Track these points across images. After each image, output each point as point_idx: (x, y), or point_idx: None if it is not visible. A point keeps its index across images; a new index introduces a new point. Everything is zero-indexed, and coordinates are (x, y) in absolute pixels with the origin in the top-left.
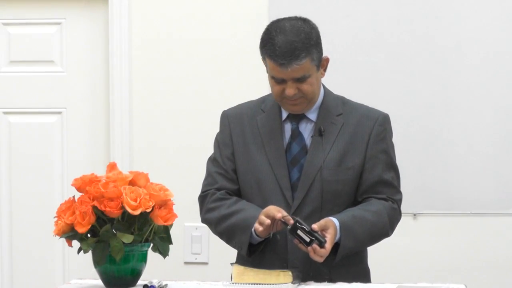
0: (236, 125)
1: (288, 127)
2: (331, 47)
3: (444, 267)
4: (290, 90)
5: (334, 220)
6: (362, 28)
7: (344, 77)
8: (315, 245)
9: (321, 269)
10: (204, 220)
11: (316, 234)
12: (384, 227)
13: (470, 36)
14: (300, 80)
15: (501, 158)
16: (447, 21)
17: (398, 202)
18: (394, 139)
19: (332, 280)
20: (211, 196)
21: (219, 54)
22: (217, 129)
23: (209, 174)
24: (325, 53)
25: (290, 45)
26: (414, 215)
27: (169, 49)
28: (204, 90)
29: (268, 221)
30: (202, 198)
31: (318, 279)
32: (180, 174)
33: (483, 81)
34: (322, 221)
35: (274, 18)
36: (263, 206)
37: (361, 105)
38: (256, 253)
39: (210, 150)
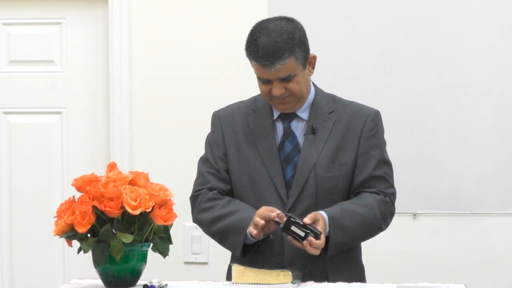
0: (228, 125)
1: (280, 126)
2: (331, 47)
3: (444, 267)
4: (276, 90)
5: (322, 214)
6: (362, 28)
7: (344, 76)
8: (310, 238)
9: (317, 267)
10: (196, 220)
11: (310, 227)
12: (376, 220)
13: (470, 35)
14: (286, 79)
15: (501, 158)
16: (446, 21)
17: (390, 196)
18: (394, 139)
19: (328, 278)
20: (204, 196)
21: (219, 54)
22: None
23: (200, 174)
24: (324, 53)
25: (273, 46)
26: (414, 215)
27: (169, 49)
28: (204, 90)
29: (262, 222)
30: (194, 198)
31: (314, 277)
32: (180, 174)
33: (483, 80)
34: (312, 214)
35: None
36: (258, 204)
37: (352, 102)
38: (250, 253)
39: None
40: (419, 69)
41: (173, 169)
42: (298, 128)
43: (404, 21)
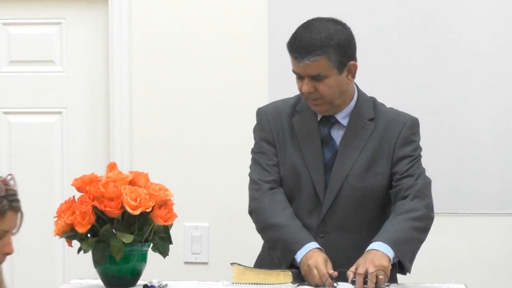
0: (274, 123)
1: (321, 132)
2: None
3: (444, 267)
4: (305, 87)
5: (375, 245)
6: (363, 28)
7: None
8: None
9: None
10: (254, 211)
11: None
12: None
13: (471, 35)
14: (316, 78)
15: (501, 158)
16: (447, 20)
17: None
18: None
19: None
20: (264, 191)
21: (219, 54)
22: (217, 129)
23: (258, 165)
24: None
25: (308, 41)
26: None
27: (169, 49)
28: (204, 90)
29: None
30: (255, 190)
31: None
32: (180, 174)
33: (483, 80)
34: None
35: (274, 18)
36: (297, 207)
37: (391, 109)
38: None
39: (210, 150)
40: (419, 70)
41: (173, 169)
42: (339, 135)
43: (405, 21)
